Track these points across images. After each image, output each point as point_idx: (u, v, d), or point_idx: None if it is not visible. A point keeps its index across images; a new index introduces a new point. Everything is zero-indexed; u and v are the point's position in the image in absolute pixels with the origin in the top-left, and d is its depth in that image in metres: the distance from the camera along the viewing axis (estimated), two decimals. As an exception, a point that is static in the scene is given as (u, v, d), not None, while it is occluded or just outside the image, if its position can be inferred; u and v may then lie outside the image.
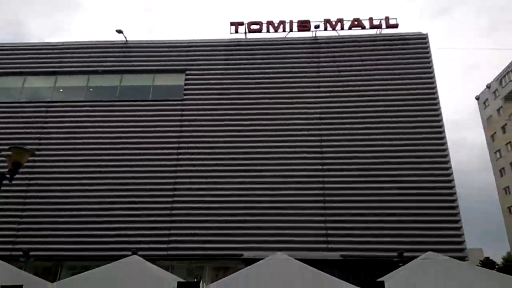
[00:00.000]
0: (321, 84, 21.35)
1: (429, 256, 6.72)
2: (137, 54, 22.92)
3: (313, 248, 17.69)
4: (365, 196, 18.66)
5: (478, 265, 35.98)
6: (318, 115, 20.54)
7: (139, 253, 13.26)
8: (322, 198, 18.76)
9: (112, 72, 22.64)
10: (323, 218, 18.40)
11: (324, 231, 18.11)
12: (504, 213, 47.62)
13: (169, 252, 18.07)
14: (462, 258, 16.49)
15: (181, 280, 8.40)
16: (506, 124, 46.48)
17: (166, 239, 18.30)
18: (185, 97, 21.66)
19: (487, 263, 55.84)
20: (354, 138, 19.92)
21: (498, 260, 59.38)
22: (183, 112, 21.17)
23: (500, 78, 47.50)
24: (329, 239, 17.98)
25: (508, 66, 46.06)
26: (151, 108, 21.44)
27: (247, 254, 17.15)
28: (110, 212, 18.81)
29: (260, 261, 7.44)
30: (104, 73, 22.67)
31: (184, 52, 22.77)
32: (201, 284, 8.43)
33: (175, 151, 20.20)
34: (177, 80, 22.21)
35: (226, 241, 18.00)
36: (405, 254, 15.99)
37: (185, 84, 21.97)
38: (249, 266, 7.44)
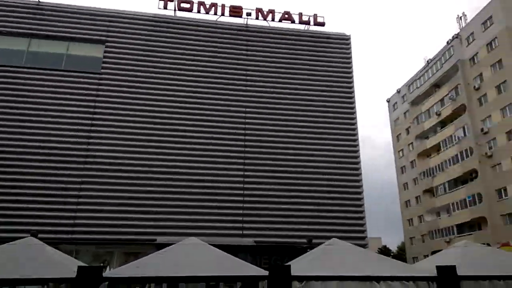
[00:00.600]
0: (248, 72, 21.39)
1: (333, 242, 7.11)
2: (51, 17, 20.66)
3: (228, 234, 17.87)
4: (280, 185, 19.33)
5: (376, 252, 39.81)
6: (242, 103, 20.61)
7: (40, 235, 12.09)
8: (240, 185, 18.98)
9: (19, 34, 20.14)
10: (240, 205, 18.65)
11: (240, 218, 18.38)
12: (401, 207, 53.10)
13: (75, 236, 16.84)
14: (363, 246, 17.95)
15: (84, 264, 7.81)
16: (410, 126, 51.53)
17: (71, 221, 17.01)
18: (103, 70, 20.15)
19: (384, 251, 62.07)
20: (274, 129, 20.41)
21: (394, 249, 66.42)
22: (100, 87, 19.69)
23: (409, 84, 52.37)
24: (245, 225, 18.30)
25: (416, 74, 50.91)
26: (63, 79, 19.56)
27: (160, 239, 16.69)
28: (10, 190, 16.90)
29: (172, 245, 7.21)
30: (8, 35, 20.06)
31: (105, 22, 21.06)
32: (107, 269, 7.95)
33: (87, 127, 18.75)
34: (95, 51, 20.54)
35: (139, 226, 17.33)
36: (314, 241, 16.93)
37: (104, 57, 20.42)
38: (160, 250, 7.18)
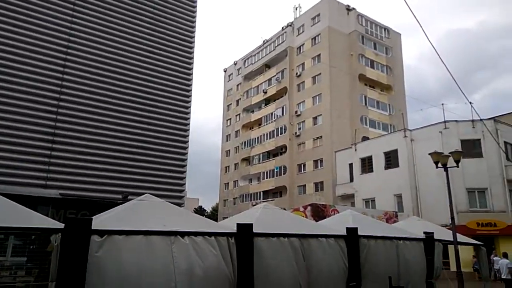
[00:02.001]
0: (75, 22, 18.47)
1: (145, 198, 6.93)
2: None
3: (28, 184, 15.49)
4: (100, 136, 17.81)
5: (192, 211, 41.96)
6: (64, 43, 17.77)
7: None
8: (51, 130, 16.57)
9: None
10: (47, 152, 16.33)
11: (45, 167, 16.13)
12: (221, 171, 57.06)
13: None
14: (179, 204, 18.42)
15: None
16: (240, 98, 55.14)
17: None
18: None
19: (200, 211, 65.89)
20: (100, 73, 18.48)
21: (209, 209, 71.34)
22: None
23: (245, 59, 55.59)
24: (50, 175, 16.19)
25: (253, 51, 54.31)
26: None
27: None
28: None
29: None
30: None
31: None
32: None
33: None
34: None
35: None
36: (131, 197, 16.38)
37: None
38: None
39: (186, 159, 20.43)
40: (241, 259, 6.45)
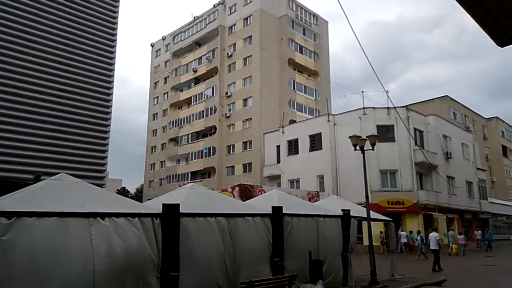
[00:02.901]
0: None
1: (59, 177, 6.42)
2: None
3: None
4: (13, 110, 16.07)
5: (115, 192, 40.07)
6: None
7: None
8: None
9: None
10: None
11: None
12: (147, 151, 55.09)
13: None
14: (101, 185, 17.46)
15: None
16: (168, 76, 53.22)
17: None
18: None
19: (123, 192, 63.31)
20: (14, 48, 16.53)
21: (133, 191, 68.80)
22: None
23: (174, 35, 53.50)
24: None
25: (183, 27, 52.42)
26: None
27: None
28: None
29: None
30: None
31: None
32: None
33: None
34: None
35: None
36: (44, 177, 15.11)
37: None
38: None
39: (108, 138, 19.31)
40: (167, 240, 6.32)
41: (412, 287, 11.30)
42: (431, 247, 16.94)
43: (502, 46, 2.35)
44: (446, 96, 42.22)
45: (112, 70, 19.95)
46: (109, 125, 19.43)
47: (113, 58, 20.00)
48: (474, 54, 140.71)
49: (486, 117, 50.35)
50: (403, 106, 30.59)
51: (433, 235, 17.44)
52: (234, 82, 44.22)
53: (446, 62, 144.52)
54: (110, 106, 19.59)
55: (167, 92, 53.03)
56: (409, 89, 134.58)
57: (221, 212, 7.72)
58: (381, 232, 23.79)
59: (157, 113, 54.70)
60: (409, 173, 28.50)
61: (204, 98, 46.71)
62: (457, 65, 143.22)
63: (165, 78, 54.08)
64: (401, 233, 25.57)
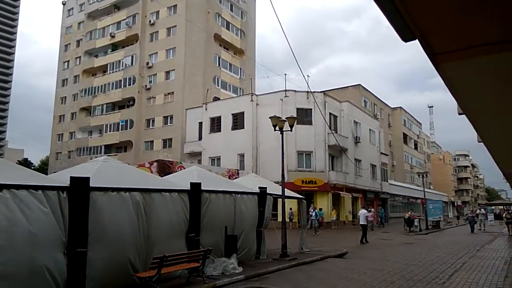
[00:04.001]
0: None
1: None
2: None
3: None
4: None
5: (16, 163, 35.87)
6: None
7: None
8: None
9: None
10: None
11: None
12: (54, 121, 50.43)
13: None
14: (-3, 155, 15.62)
15: None
16: (82, 39, 48.72)
17: None
18: None
19: (25, 164, 57.54)
20: None
21: (37, 163, 62.89)
22: None
23: (91, -4, 48.85)
24: None
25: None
26: None
27: None
28: None
29: None
30: None
31: None
32: None
33: None
34: None
35: None
36: None
37: None
38: None
39: (8, 102, 17.23)
40: (74, 215, 5.90)
41: (318, 259, 12.21)
42: (360, 223, 18.61)
43: (405, 41, 2.45)
44: (359, 84, 45.34)
45: (15, 26, 17.63)
46: (10, 88, 17.29)
47: (17, 13, 17.67)
48: (386, 47, 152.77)
49: (392, 107, 55.34)
50: (321, 91, 32.15)
51: (362, 212, 19.17)
52: (156, 52, 42.20)
53: (362, 52, 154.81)
54: (12, 67, 17.41)
55: (80, 57, 48.69)
56: (328, 75, 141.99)
57: (137, 187, 7.42)
58: (290, 209, 25.17)
59: (67, 79, 50.08)
60: (322, 155, 30.32)
61: (122, 66, 43.89)
62: (371, 56, 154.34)
63: (78, 41, 49.51)
64: (312, 210, 27.33)
